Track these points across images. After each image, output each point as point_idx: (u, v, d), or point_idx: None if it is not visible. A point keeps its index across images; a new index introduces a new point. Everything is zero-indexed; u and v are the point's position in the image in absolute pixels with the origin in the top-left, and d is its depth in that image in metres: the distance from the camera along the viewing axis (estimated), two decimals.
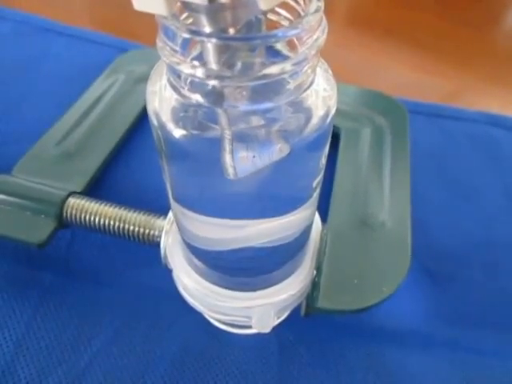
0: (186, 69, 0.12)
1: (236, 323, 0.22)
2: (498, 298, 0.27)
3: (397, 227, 0.26)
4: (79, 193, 0.26)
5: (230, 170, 0.14)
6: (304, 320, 0.24)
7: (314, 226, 0.21)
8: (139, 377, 0.23)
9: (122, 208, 0.24)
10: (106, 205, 0.24)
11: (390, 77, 0.44)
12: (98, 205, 0.24)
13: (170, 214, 0.23)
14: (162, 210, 0.24)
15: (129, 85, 0.34)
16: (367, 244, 0.25)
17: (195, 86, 0.13)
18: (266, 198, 0.17)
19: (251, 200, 0.17)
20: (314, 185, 0.16)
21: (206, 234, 0.19)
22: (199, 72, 0.12)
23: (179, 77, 0.13)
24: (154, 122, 0.15)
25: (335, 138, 0.32)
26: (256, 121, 0.14)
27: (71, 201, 0.25)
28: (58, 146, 0.29)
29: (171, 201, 0.19)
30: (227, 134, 0.13)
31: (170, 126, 0.14)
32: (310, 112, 0.14)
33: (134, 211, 0.24)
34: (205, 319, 0.24)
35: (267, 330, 0.21)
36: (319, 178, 0.17)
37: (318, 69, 0.15)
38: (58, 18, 0.42)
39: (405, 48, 0.48)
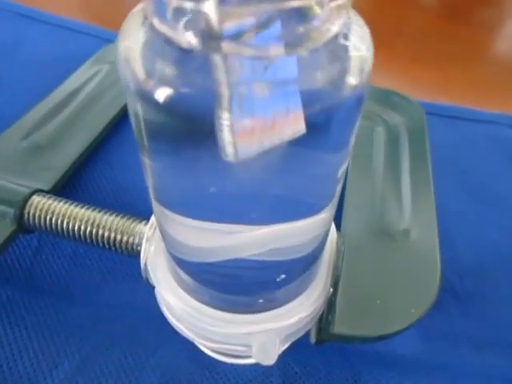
0: None
1: (232, 353, 0.18)
2: None
3: (422, 237, 0.22)
4: (47, 192, 0.22)
5: (229, 149, 0.10)
6: (312, 348, 0.20)
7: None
8: None
9: (97, 210, 0.20)
10: (76, 206, 0.20)
11: (396, 77, 0.40)
12: (67, 205, 0.20)
13: (153, 217, 0.19)
14: (146, 215, 0.20)
15: (113, 76, 0.30)
16: (389, 256, 0.21)
17: (186, 22, 0.09)
18: (276, 193, 0.13)
19: (256, 197, 0.13)
20: (339, 175, 0.12)
21: (196, 242, 0.15)
22: None
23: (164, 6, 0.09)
24: (131, 85, 0.11)
25: None
26: (265, 77, 0.10)
27: (35, 200, 0.20)
28: (27, 138, 0.25)
29: (153, 202, 0.15)
30: (225, 96, 0.10)
31: (151, 85, 0.10)
32: (339, 72, 0.11)
33: (111, 214, 0.20)
34: (194, 346, 0.20)
35: (271, 361, 0.17)
36: (345, 167, 0.13)
37: (353, 25, 0.11)
38: (44, 9, 0.38)
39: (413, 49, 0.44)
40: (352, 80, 0.10)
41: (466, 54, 0.45)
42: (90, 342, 0.21)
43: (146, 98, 0.10)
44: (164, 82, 0.10)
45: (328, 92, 0.10)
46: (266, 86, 0.10)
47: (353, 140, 0.12)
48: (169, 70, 0.10)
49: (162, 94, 0.10)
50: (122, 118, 0.29)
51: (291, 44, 0.10)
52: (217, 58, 0.09)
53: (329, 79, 0.10)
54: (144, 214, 0.20)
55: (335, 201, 0.14)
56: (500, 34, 0.50)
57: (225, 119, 0.10)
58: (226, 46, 0.09)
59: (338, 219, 0.23)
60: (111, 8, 0.40)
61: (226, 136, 0.10)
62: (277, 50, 0.09)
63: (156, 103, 0.10)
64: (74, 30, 0.36)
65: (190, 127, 0.11)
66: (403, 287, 0.19)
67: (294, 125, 0.10)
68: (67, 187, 0.24)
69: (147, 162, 0.13)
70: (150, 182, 0.14)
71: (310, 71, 0.10)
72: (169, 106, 0.10)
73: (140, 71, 0.10)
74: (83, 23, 0.37)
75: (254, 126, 0.10)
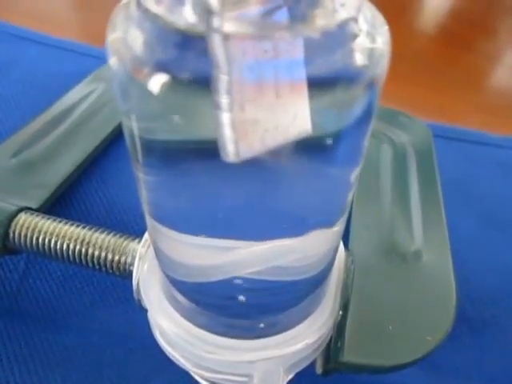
0: None
1: (230, 383, 0.16)
2: None
3: (435, 258, 0.20)
4: (36, 210, 0.20)
5: (229, 147, 0.09)
6: (319, 379, 0.18)
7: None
8: None
9: (87, 228, 0.19)
10: (65, 223, 0.19)
11: (397, 99, 0.40)
12: (55, 223, 0.19)
13: (147, 234, 0.18)
14: (140, 234, 0.19)
15: (108, 95, 0.29)
16: (401, 278, 0.19)
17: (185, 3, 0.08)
18: (280, 206, 0.11)
19: (257, 210, 0.12)
20: (352, 179, 0.11)
21: (192, 260, 0.14)
22: None
23: None
24: (122, 78, 0.10)
25: None
26: (270, 62, 0.09)
27: (21, 218, 0.19)
28: (17, 156, 0.24)
29: (147, 218, 0.14)
30: (224, 84, 0.08)
31: (145, 73, 0.09)
32: (352, 61, 0.09)
33: (102, 232, 0.19)
34: (190, 377, 0.18)
35: None
36: (358, 172, 0.11)
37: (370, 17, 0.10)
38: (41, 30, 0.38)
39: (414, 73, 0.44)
40: (366, 71, 0.09)
41: (466, 78, 0.45)
42: (77, 373, 0.19)
43: (140, 89, 0.09)
44: (159, 68, 0.09)
45: (339, 84, 0.09)
46: (271, 72, 0.09)
47: (367, 143, 0.11)
48: (163, 56, 0.09)
49: (157, 81, 0.09)
50: (116, 137, 0.28)
51: (298, 26, 0.09)
52: (216, 39, 0.08)
53: (339, 68, 0.09)
54: (138, 233, 0.19)
55: (345, 213, 0.13)
56: (498, 61, 0.50)
57: (225, 112, 0.09)
58: (227, 25, 0.08)
59: (345, 238, 0.21)
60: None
61: (226, 132, 0.09)
62: (282, 29, 0.08)
63: (150, 95, 0.09)
64: (70, 50, 0.35)
65: (187, 124, 0.10)
66: (417, 312, 0.18)
67: (300, 124, 0.09)
68: (58, 205, 0.23)
69: (141, 176, 0.12)
70: (144, 197, 0.13)
71: (320, 56, 0.09)
72: (165, 97, 0.09)
73: (132, 60, 0.09)
74: (80, 43, 0.37)
75: (257, 121, 0.09)
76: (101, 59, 0.35)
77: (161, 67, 0.09)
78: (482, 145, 0.33)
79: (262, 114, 0.09)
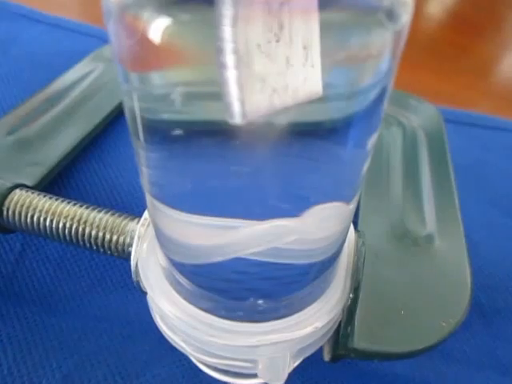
0: None
1: (234, 370, 0.15)
2: None
3: (448, 242, 0.20)
4: (32, 188, 0.20)
5: (235, 106, 0.08)
6: (326, 366, 0.17)
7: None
8: None
9: (84, 206, 0.18)
10: (62, 202, 0.18)
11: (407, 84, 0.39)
12: (51, 201, 0.18)
13: (146, 213, 0.17)
14: (139, 215, 0.18)
15: (108, 75, 0.29)
16: (413, 262, 0.18)
17: None
18: (288, 181, 0.11)
19: (263, 184, 0.11)
20: (369, 147, 0.10)
21: (194, 239, 0.13)
22: None
23: None
24: (119, 29, 0.09)
25: None
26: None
27: (16, 195, 0.18)
28: (13, 133, 0.23)
29: (147, 197, 0.13)
30: (229, 36, 0.08)
31: (146, 17, 0.08)
32: (369, 14, 0.08)
33: (100, 211, 0.18)
34: (191, 364, 0.18)
35: (280, 382, 0.14)
36: (376, 137, 0.10)
37: None
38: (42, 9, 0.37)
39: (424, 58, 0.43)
40: (390, 18, 0.08)
41: (476, 65, 0.43)
42: (73, 359, 0.18)
43: (139, 40, 0.08)
44: (160, 11, 0.08)
45: (360, 32, 0.08)
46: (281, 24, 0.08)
47: (386, 104, 0.10)
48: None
49: (159, 26, 0.08)
50: (115, 117, 0.27)
51: None
52: None
53: (360, 11, 0.08)
54: (137, 215, 0.18)
55: (360, 189, 0.12)
56: (509, 48, 0.49)
57: (231, 69, 0.08)
58: None
59: (354, 222, 0.21)
60: None
61: (231, 90, 0.08)
62: None
63: (152, 44, 0.08)
64: (70, 30, 0.34)
65: (191, 75, 0.09)
66: (431, 297, 0.17)
67: (311, 85, 0.08)
68: (55, 184, 0.22)
69: (142, 152, 0.11)
70: (144, 175, 0.12)
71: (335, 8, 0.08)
72: (167, 43, 0.08)
73: (128, 4, 0.08)
74: (81, 23, 0.36)
75: (265, 80, 0.08)
76: (101, 39, 0.34)
77: (161, 11, 0.08)
78: (494, 129, 0.33)
79: (271, 72, 0.08)
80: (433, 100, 0.31)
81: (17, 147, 0.22)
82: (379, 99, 0.09)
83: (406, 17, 0.09)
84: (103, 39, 0.34)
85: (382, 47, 0.08)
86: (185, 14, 0.08)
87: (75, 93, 0.27)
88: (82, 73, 0.28)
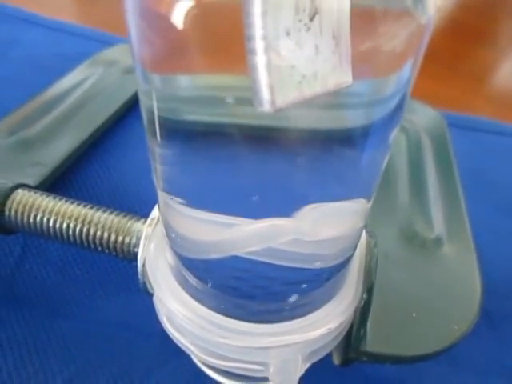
0: None
1: (242, 373, 0.15)
2: None
3: (457, 245, 0.19)
4: (34, 188, 0.19)
5: (264, 93, 0.08)
6: (335, 370, 0.17)
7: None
8: None
9: (88, 206, 0.18)
10: (65, 202, 0.18)
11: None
12: (54, 201, 0.18)
13: (154, 212, 0.17)
14: (144, 216, 0.18)
15: (114, 75, 0.28)
16: (422, 265, 0.18)
17: None
18: (305, 180, 0.10)
19: (279, 183, 0.10)
20: (391, 140, 0.10)
21: (206, 236, 0.12)
22: None
23: None
24: (137, 19, 0.09)
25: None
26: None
27: (18, 194, 0.18)
28: (15, 134, 0.23)
29: (159, 194, 0.12)
30: (258, 20, 0.07)
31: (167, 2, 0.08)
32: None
33: (104, 211, 0.17)
34: (197, 368, 0.17)
35: None
36: (398, 129, 0.10)
37: None
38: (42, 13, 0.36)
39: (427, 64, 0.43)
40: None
41: (476, 71, 0.44)
42: (75, 364, 0.18)
43: (160, 25, 0.08)
44: None
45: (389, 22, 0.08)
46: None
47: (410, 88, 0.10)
48: None
49: (181, 9, 0.08)
50: (118, 120, 0.26)
51: None
52: None
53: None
54: (141, 216, 0.18)
55: (377, 185, 0.12)
56: (509, 53, 0.49)
57: (260, 55, 0.08)
58: None
59: None
60: (109, 12, 0.39)
61: (260, 76, 0.08)
62: None
63: (173, 29, 0.08)
64: (70, 33, 0.34)
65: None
66: (442, 300, 0.17)
67: (340, 74, 0.08)
68: (57, 185, 0.22)
69: (157, 150, 0.11)
70: (157, 172, 0.12)
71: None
72: (189, 30, 0.08)
73: None
74: (80, 26, 0.35)
75: (294, 67, 0.08)
76: (100, 42, 0.34)
77: None
78: (496, 134, 0.33)
79: (300, 58, 0.08)
80: (434, 105, 0.31)
81: (19, 147, 0.22)
82: (402, 100, 0.09)
83: (431, 10, 0.09)
84: (103, 42, 0.34)
85: (410, 38, 0.08)
86: None
87: (76, 95, 0.26)
88: (82, 75, 0.28)
